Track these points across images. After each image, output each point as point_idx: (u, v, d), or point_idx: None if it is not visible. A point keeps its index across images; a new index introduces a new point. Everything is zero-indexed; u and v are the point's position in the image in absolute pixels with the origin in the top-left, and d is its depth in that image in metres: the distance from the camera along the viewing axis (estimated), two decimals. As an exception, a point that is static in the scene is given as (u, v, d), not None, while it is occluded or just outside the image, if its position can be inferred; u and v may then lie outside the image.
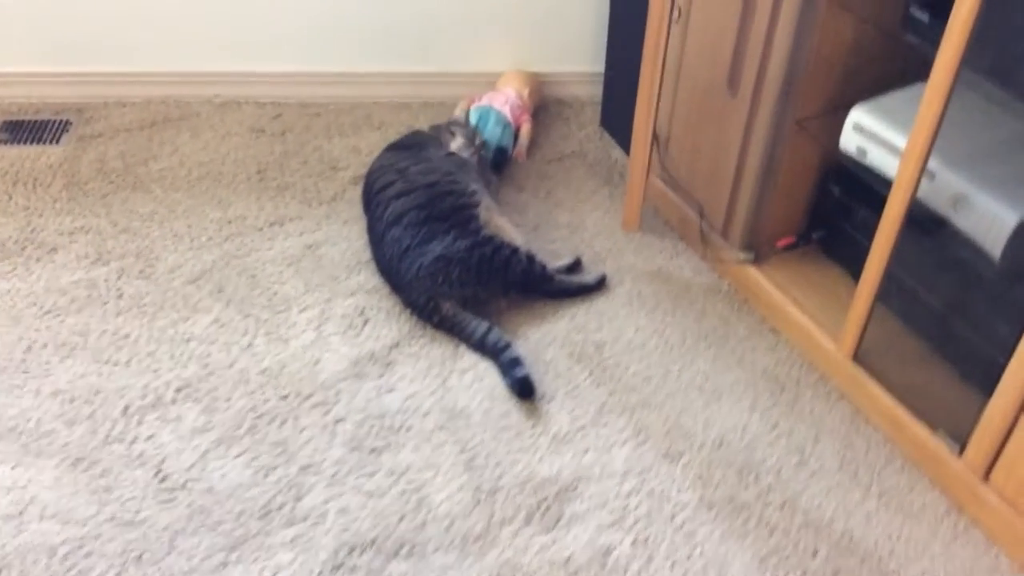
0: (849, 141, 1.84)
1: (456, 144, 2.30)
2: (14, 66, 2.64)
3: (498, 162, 2.41)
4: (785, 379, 1.96)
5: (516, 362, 1.93)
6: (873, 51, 1.87)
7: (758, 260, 2.09)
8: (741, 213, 2.07)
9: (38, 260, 2.18)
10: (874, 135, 1.79)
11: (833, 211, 2.04)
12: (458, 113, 2.46)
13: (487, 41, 2.67)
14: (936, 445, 1.74)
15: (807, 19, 1.77)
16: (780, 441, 1.84)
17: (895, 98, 1.83)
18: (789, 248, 2.09)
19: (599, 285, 2.14)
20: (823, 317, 1.97)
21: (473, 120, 2.47)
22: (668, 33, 2.01)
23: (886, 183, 1.78)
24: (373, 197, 2.20)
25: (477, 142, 2.33)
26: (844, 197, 1.99)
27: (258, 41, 2.63)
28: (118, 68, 2.66)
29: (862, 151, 1.82)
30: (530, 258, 2.06)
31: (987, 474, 1.65)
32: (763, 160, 1.97)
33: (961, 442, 1.69)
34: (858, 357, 1.87)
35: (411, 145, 2.31)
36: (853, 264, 2.04)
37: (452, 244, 2.03)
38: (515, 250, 2.05)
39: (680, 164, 2.22)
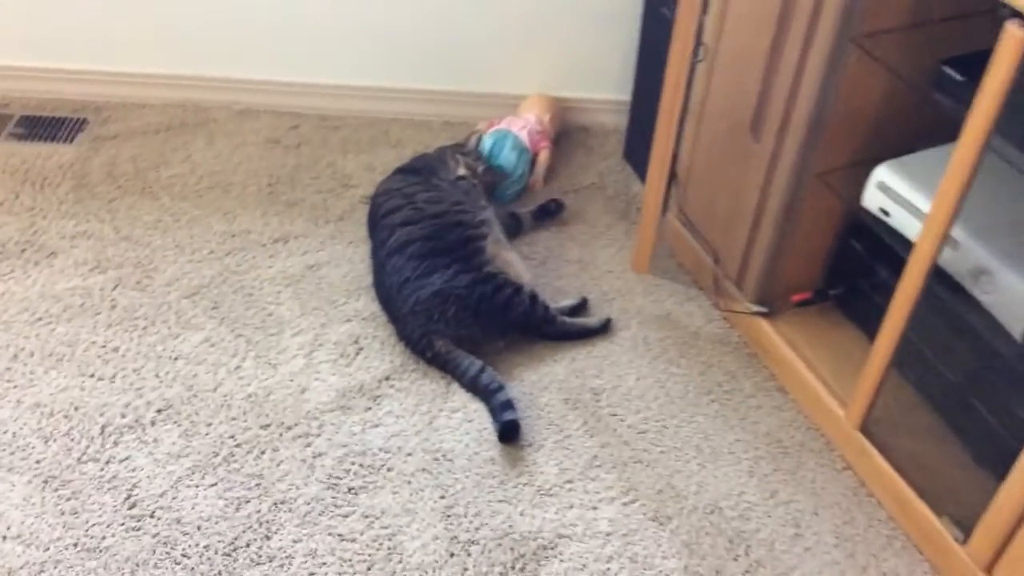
0: (872, 199, 1.74)
1: (460, 171, 2.23)
2: (37, 61, 2.63)
3: (510, 226, 2.32)
4: (789, 443, 1.86)
5: (507, 406, 1.85)
6: (902, 107, 1.77)
7: (771, 314, 1.99)
8: (756, 264, 1.97)
9: (36, 264, 2.15)
10: (898, 196, 1.68)
11: (853, 268, 1.93)
12: (473, 138, 2.39)
13: (512, 62, 2.60)
14: (940, 530, 1.63)
15: (835, 69, 1.67)
16: (777, 511, 1.74)
17: (922, 158, 1.72)
18: (804, 304, 1.98)
19: (603, 329, 2.06)
20: (834, 380, 1.87)
21: (489, 144, 2.39)
22: (692, 71, 1.92)
23: (908, 245, 1.68)
24: (379, 221, 2.14)
25: (479, 170, 2.26)
26: (865, 254, 1.89)
27: (281, 50, 2.59)
28: (140, 69, 2.63)
29: (884, 211, 1.72)
30: (533, 298, 1.98)
31: (991, 568, 1.54)
32: (782, 210, 1.87)
33: (967, 530, 1.58)
34: (866, 427, 1.76)
35: (420, 169, 2.24)
36: (871, 325, 1.92)
37: (452, 279, 1.96)
38: (518, 289, 1.97)
39: (698, 206, 2.12)
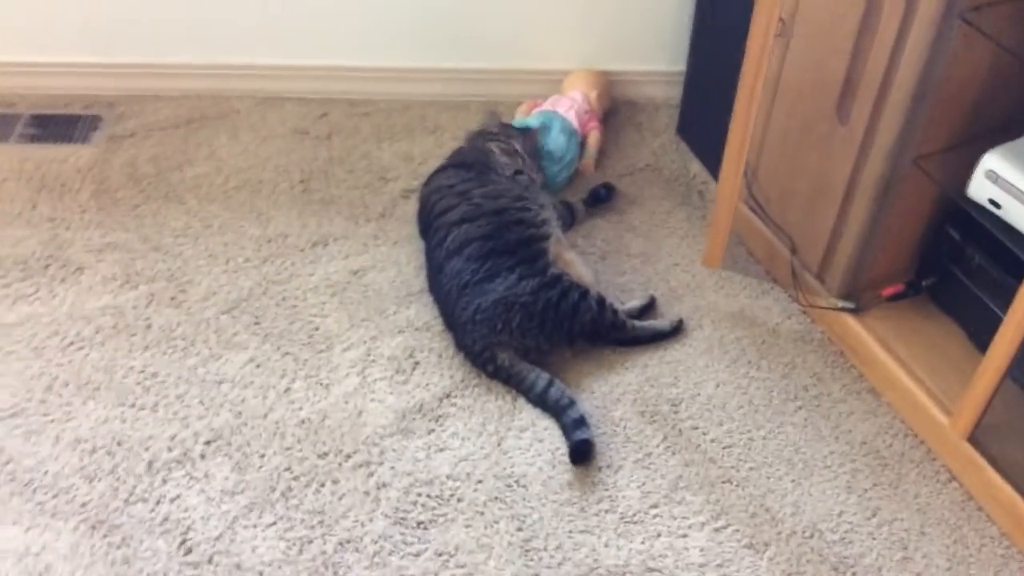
0: (979, 189, 1.58)
1: (513, 164, 2.07)
2: (43, 55, 2.44)
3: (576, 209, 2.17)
4: (887, 453, 1.72)
5: (579, 423, 1.72)
6: (1008, 84, 1.60)
7: (859, 310, 1.84)
8: (843, 257, 1.82)
9: (63, 281, 2.00)
10: (1011, 186, 1.52)
11: (948, 257, 1.78)
12: (517, 118, 2.23)
13: (554, 35, 2.41)
14: (1067, 552, 1.50)
15: (941, 47, 1.50)
16: (881, 531, 1.61)
17: (1040, 143, 1.56)
18: (896, 298, 1.83)
19: (675, 331, 1.91)
20: (933, 382, 1.73)
21: (534, 126, 2.22)
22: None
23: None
24: (432, 221, 1.98)
25: (516, 147, 2.09)
26: (964, 243, 1.73)
27: (303, 32, 2.40)
28: (152, 59, 2.45)
29: (995, 203, 1.56)
30: (600, 303, 1.84)
31: None
32: (874, 199, 1.71)
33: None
34: (975, 437, 1.63)
35: (473, 163, 2.07)
36: (968, 318, 1.79)
37: (516, 285, 1.81)
38: (584, 293, 1.83)
39: (771, 192, 1.96)
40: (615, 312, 1.85)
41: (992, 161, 1.55)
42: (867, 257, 1.80)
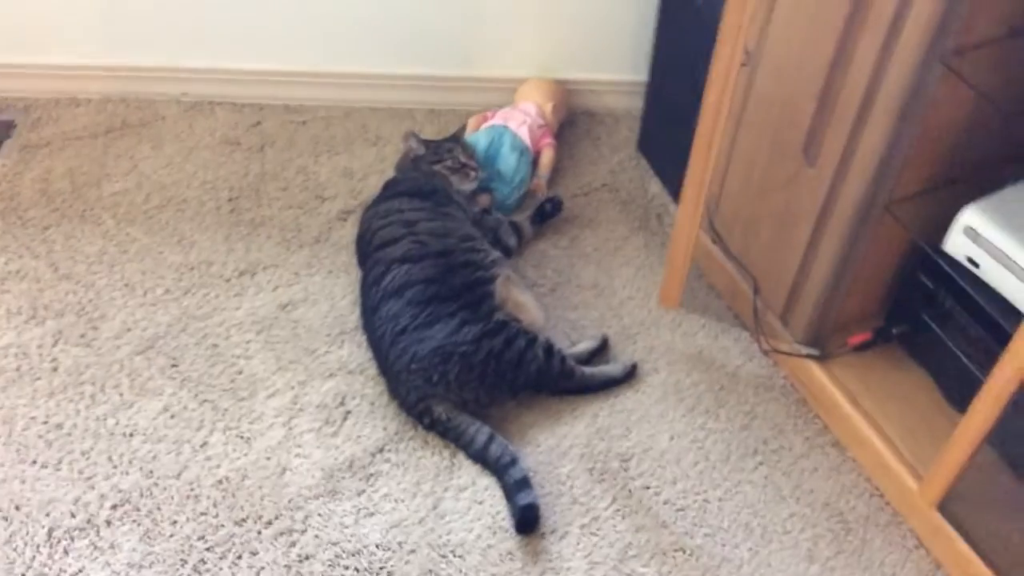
0: (957, 246, 1.45)
1: (455, 180, 1.94)
2: (-51, 54, 2.25)
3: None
4: (851, 517, 1.60)
5: (522, 484, 1.58)
6: (987, 131, 1.46)
7: (824, 357, 1.72)
8: (808, 300, 1.69)
9: (-39, 316, 1.83)
10: (991, 246, 1.39)
11: (921, 305, 1.64)
12: (467, 134, 2.07)
13: (507, 41, 2.24)
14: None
15: (919, 88, 1.36)
16: (843, 607, 1.50)
17: (1018, 196, 1.42)
18: (864, 347, 1.71)
19: (628, 377, 1.78)
20: (901, 440, 1.61)
21: (484, 145, 2.07)
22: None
23: (1004, 304, 1.41)
24: (371, 252, 1.83)
25: (463, 159, 1.98)
26: (937, 291, 1.60)
27: (236, 33, 2.21)
28: (72, 60, 2.25)
29: (973, 261, 1.43)
30: (548, 351, 1.69)
31: None
32: (843, 245, 1.58)
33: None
34: (945, 505, 1.51)
35: (430, 192, 1.91)
36: (940, 370, 1.67)
37: (456, 332, 1.66)
38: (531, 341, 1.69)
39: (734, 226, 1.82)
40: (563, 360, 1.71)
41: (971, 217, 1.42)
42: (834, 302, 1.67)
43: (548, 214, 2.06)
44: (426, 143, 2.00)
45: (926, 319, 1.63)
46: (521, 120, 2.11)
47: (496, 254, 1.83)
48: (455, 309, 1.70)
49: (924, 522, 1.55)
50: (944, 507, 1.51)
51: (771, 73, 1.58)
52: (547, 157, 2.14)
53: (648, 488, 1.63)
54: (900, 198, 1.52)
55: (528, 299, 1.80)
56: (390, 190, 1.96)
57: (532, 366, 1.67)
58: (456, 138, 2.03)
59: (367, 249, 1.86)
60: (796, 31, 1.51)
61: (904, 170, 1.47)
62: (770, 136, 1.63)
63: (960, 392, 1.62)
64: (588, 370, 1.75)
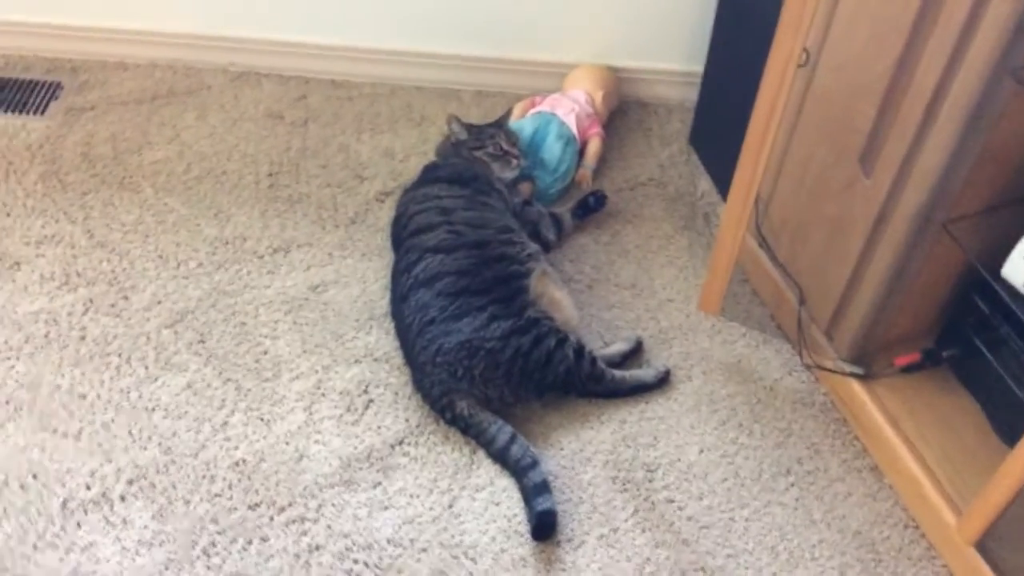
0: (1017, 271, 1.36)
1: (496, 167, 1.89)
2: (5, 14, 2.24)
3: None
4: (883, 547, 1.53)
5: (541, 488, 1.53)
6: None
7: (868, 376, 1.64)
8: (855, 317, 1.60)
9: (-4, 277, 1.84)
10: (1056, 273, 1.30)
11: (974, 328, 1.55)
12: (513, 120, 2.01)
13: (560, 25, 2.16)
14: None
15: (986, 102, 1.26)
16: (868, 644, 1.43)
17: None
18: (912, 369, 1.62)
19: (660, 383, 1.72)
20: (942, 470, 1.53)
21: (529, 131, 2.00)
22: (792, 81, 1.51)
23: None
24: (406, 238, 1.79)
25: (505, 146, 1.92)
26: (991, 316, 1.51)
27: (287, 5, 2.18)
28: (122, 24, 2.24)
29: (1035, 289, 1.34)
30: (578, 352, 1.64)
31: None
32: (896, 261, 1.49)
33: None
34: (984, 544, 1.43)
35: (470, 179, 1.86)
36: (990, 398, 1.58)
37: (485, 327, 1.61)
38: (561, 341, 1.63)
39: (781, 233, 1.74)
40: (594, 362, 1.66)
41: (1036, 241, 1.32)
42: (882, 320, 1.58)
43: (591, 208, 1.99)
44: (468, 128, 1.94)
45: (978, 344, 1.54)
46: (569, 108, 2.04)
47: (534, 248, 1.77)
48: (486, 303, 1.65)
49: (960, 560, 1.47)
50: (982, 546, 1.43)
51: (831, 73, 1.49)
52: (594, 147, 2.07)
53: (672, 502, 1.57)
54: (959, 216, 1.42)
55: (563, 296, 1.75)
56: (429, 174, 1.91)
57: (561, 367, 1.62)
58: (500, 124, 1.97)
59: (401, 234, 1.82)
60: (860, 30, 1.42)
61: (965, 187, 1.37)
62: (827, 140, 1.54)
63: (1010, 424, 1.53)
64: (619, 373, 1.69)
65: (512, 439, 1.59)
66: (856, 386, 1.64)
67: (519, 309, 1.65)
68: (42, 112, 2.15)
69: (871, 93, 1.41)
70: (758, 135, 1.44)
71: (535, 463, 1.56)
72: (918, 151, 1.37)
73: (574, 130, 2.02)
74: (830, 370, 1.67)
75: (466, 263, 1.69)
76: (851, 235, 1.55)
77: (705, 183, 2.07)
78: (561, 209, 1.97)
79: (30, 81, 2.22)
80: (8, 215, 1.94)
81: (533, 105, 2.10)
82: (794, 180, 1.66)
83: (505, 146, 1.92)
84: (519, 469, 1.57)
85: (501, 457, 1.60)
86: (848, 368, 1.65)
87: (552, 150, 1.98)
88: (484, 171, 1.90)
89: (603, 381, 1.67)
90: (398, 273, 1.77)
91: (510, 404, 1.64)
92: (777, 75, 1.43)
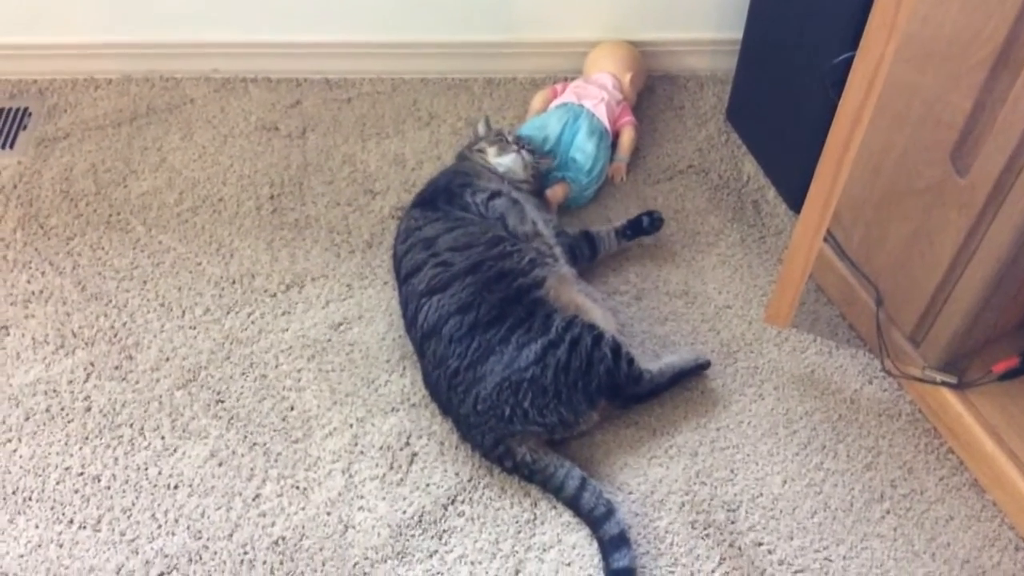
0: None
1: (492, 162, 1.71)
2: (-46, 34, 2.02)
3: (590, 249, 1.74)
4: (995, 573, 1.39)
5: (618, 542, 1.39)
6: None
7: (962, 385, 1.48)
8: (947, 325, 1.44)
9: (-17, 346, 1.66)
10: None
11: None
12: (529, 116, 1.81)
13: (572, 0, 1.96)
14: None
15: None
16: None
17: None
18: (1010, 375, 1.47)
19: (699, 368, 1.59)
20: (1055, 485, 1.39)
21: (556, 130, 1.80)
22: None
23: None
24: (402, 285, 1.62)
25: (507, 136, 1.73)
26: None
27: (267, 2, 1.96)
28: (88, 38, 2.01)
29: None
30: (615, 350, 1.48)
31: None
32: (996, 269, 1.32)
33: None
34: (1116, 574, 1.30)
35: (432, 196, 1.68)
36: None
37: (516, 359, 1.45)
38: (597, 339, 1.47)
39: (852, 228, 1.57)
40: (631, 362, 1.49)
41: None
42: (979, 326, 1.42)
43: (643, 231, 1.76)
44: (492, 130, 1.76)
45: (1090, 346, 1.39)
46: (598, 97, 1.84)
47: (535, 252, 1.59)
48: (505, 332, 1.48)
49: (1087, 588, 1.34)
50: (1115, 575, 1.30)
51: (917, 58, 1.30)
52: (627, 137, 1.87)
53: (760, 545, 1.43)
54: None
55: (585, 299, 1.57)
56: (415, 196, 1.73)
57: (601, 367, 1.46)
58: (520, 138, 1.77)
59: (398, 275, 1.64)
60: (952, 8, 1.23)
61: (1083, 185, 1.20)
62: (910, 134, 1.36)
63: None
64: (655, 367, 1.54)
65: (583, 485, 1.44)
66: (948, 395, 1.49)
67: (543, 324, 1.48)
68: (11, 146, 1.94)
69: (966, 84, 1.23)
70: (840, 142, 1.25)
71: (610, 512, 1.41)
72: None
73: (605, 123, 1.82)
74: (919, 379, 1.51)
75: (465, 296, 1.52)
76: (941, 238, 1.37)
77: (749, 165, 1.89)
78: (605, 228, 1.75)
79: (-7, 109, 2.01)
80: (-12, 271, 1.75)
81: (555, 95, 1.90)
82: (868, 169, 1.48)
83: (507, 136, 1.74)
84: (593, 519, 1.42)
85: (573, 506, 1.45)
86: (940, 377, 1.49)
87: (584, 149, 1.79)
88: (456, 179, 1.70)
89: (642, 381, 1.51)
90: (407, 324, 1.60)
91: (572, 424, 1.48)
92: (865, 79, 1.22)
